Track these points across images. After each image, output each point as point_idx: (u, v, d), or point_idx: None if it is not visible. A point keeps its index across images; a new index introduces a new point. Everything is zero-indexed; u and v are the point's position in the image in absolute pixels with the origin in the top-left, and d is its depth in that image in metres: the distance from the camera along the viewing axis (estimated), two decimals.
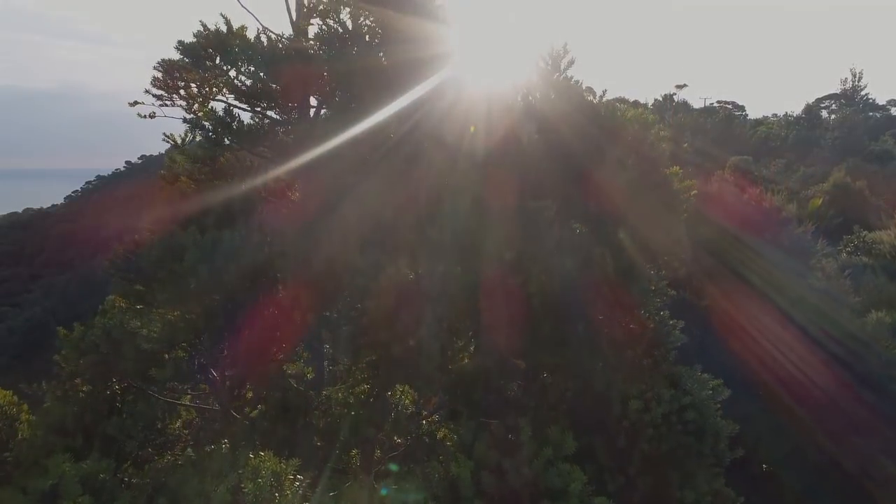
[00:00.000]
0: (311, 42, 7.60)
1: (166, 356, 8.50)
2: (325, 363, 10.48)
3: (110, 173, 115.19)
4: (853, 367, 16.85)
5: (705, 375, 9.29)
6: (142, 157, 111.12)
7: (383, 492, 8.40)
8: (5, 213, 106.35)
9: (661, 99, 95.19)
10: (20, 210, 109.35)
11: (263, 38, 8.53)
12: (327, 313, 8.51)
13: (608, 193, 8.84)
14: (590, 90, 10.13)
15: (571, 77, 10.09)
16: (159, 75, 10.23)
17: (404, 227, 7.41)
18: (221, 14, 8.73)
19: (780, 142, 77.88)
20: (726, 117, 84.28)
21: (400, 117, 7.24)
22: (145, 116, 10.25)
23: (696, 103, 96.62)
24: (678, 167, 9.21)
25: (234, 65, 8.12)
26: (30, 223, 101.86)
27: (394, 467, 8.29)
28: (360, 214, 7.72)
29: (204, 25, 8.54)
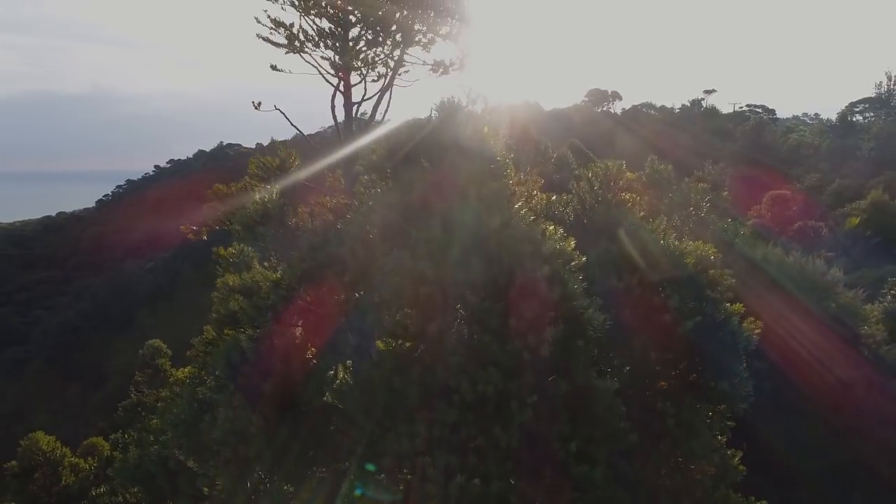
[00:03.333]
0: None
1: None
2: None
3: (140, 177, 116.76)
4: None
5: None
6: (170, 161, 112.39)
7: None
8: (39, 216, 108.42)
9: (688, 104, 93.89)
10: (53, 214, 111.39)
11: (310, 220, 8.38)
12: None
13: (669, 338, 8.63)
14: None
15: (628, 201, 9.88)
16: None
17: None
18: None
19: (813, 150, 75.79)
20: (757, 124, 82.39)
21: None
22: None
23: (725, 107, 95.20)
24: (741, 304, 8.93)
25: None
26: (63, 227, 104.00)
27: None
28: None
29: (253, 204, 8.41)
